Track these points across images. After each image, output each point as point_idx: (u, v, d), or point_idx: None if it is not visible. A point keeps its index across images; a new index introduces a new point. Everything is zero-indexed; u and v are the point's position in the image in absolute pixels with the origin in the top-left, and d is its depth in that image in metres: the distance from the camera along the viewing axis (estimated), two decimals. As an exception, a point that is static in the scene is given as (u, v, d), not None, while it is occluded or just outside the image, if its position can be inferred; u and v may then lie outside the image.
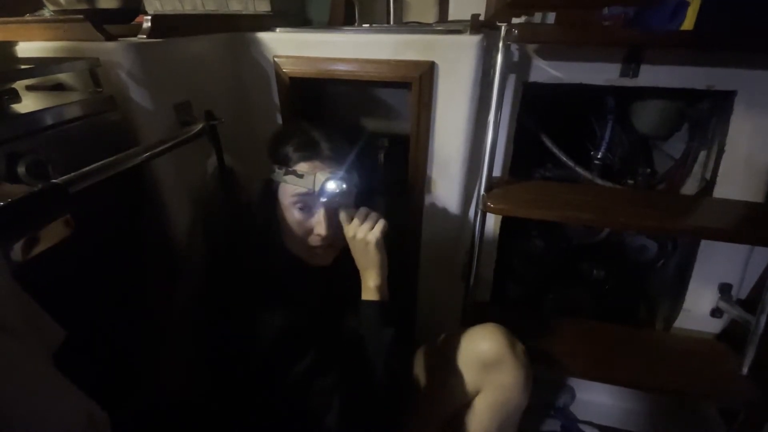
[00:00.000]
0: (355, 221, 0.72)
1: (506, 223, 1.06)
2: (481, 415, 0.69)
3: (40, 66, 0.66)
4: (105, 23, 0.74)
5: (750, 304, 0.96)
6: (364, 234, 0.70)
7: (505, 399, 0.68)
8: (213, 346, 0.71)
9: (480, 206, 0.93)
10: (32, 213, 0.47)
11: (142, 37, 0.75)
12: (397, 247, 1.04)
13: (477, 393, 0.70)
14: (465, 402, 0.72)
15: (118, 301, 0.71)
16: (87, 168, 0.53)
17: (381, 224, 0.72)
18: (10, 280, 0.44)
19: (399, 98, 1.04)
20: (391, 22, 1.35)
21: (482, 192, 0.92)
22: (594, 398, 1.14)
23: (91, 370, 0.55)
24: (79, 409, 0.47)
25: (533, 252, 1.22)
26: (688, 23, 0.92)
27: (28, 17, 0.87)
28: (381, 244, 0.71)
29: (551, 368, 0.99)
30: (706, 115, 0.98)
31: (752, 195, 0.91)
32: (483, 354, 0.70)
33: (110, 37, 0.72)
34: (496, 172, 1.00)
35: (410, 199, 0.99)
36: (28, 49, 0.77)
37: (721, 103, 0.92)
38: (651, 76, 0.88)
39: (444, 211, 0.99)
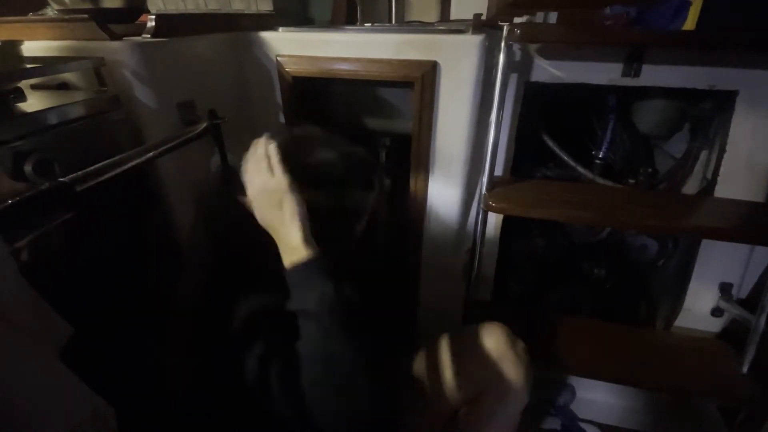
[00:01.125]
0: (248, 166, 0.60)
1: (507, 222, 1.06)
2: (481, 413, 0.70)
3: (46, 65, 0.67)
4: (109, 22, 0.74)
5: (750, 303, 0.96)
6: (263, 179, 0.56)
7: (505, 397, 0.68)
8: (218, 347, 0.71)
9: (481, 205, 0.93)
10: (39, 211, 0.47)
11: (146, 37, 0.75)
12: (399, 246, 1.05)
13: (478, 391, 0.71)
14: (466, 400, 0.72)
15: (123, 298, 0.71)
16: (93, 167, 0.54)
17: (271, 148, 0.59)
18: (18, 277, 0.45)
19: (401, 97, 1.04)
20: (393, 22, 1.36)
21: (484, 191, 0.93)
22: (594, 396, 1.14)
23: (97, 366, 0.55)
24: (84, 404, 0.48)
25: (534, 251, 1.23)
26: (690, 23, 0.92)
27: (32, 16, 0.88)
28: (286, 182, 0.55)
29: (552, 367, 1.00)
30: (707, 115, 0.98)
31: (753, 195, 0.92)
32: (484, 352, 0.70)
33: (115, 37, 0.72)
34: (498, 172, 1.00)
35: (412, 198, 0.99)
36: (32, 48, 0.77)
37: (722, 103, 0.92)
38: (653, 75, 0.88)
39: (445, 210, 0.99)
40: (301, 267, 0.52)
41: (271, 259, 0.72)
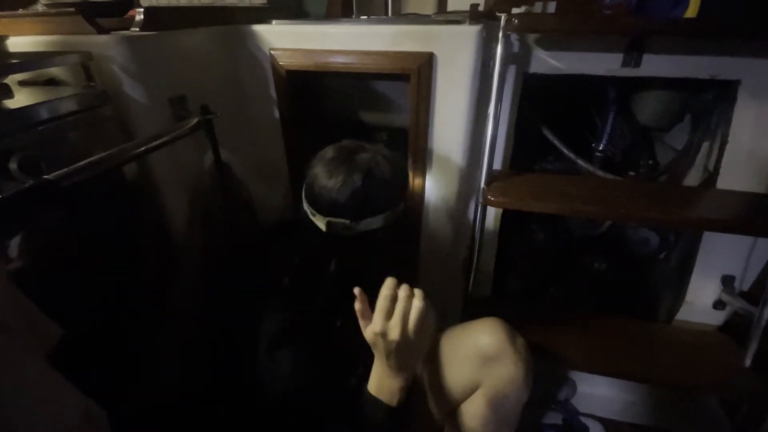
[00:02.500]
0: (377, 317, 0.57)
1: (507, 217, 1.05)
2: (482, 408, 0.69)
3: (31, 60, 0.65)
4: (97, 16, 0.72)
5: (753, 295, 0.95)
6: (397, 334, 0.55)
7: (505, 392, 0.67)
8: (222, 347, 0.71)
9: (480, 199, 0.92)
10: (24, 209, 0.46)
11: (135, 30, 0.74)
12: (398, 241, 1.04)
13: (478, 387, 0.70)
14: (466, 396, 0.72)
15: (115, 298, 0.70)
16: (80, 163, 0.52)
17: (417, 310, 0.57)
18: (4, 278, 0.44)
19: (398, 90, 1.03)
20: (389, 14, 1.34)
21: (482, 185, 0.91)
22: (595, 391, 1.14)
23: (88, 367, 0.54)
24: (75, 406, 0.47)
25: (534, 245, 1.22)
26: (691, 11, 0.90)
27: (20, 11, 0.86)
28: (419, 339, 0.57)
29: (553, 361, 0.99)
30: (709, 106, 0.96)
31: (756, 186, 0.90)
32: (483, 348, 0.69)
33: (102, 31, 0.71)
34: (497, 165, 0.99)
35: (410, 193, 0.98)
36: (19, 43, 0.76)
37: (724, 93, 0.90)
38: (653, 65, 0.86)
39: (444, 205, 0.98)
40: (383, 405, 0.59)
41: (268, 255, 0.71)
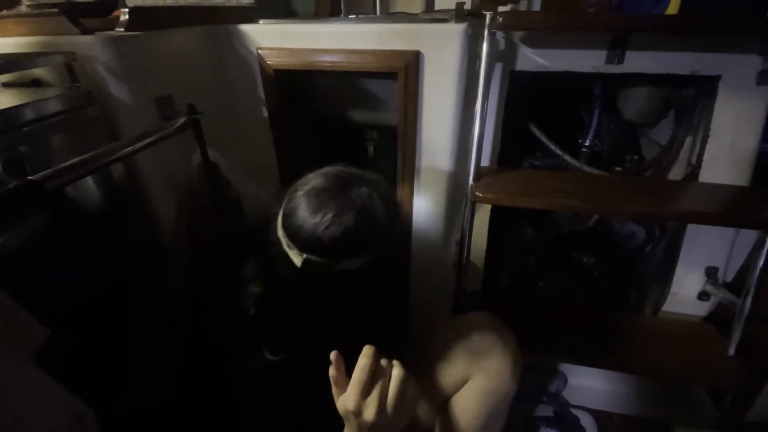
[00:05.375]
0: (352, 392, 0.49)
1: (496, 213, 1.06)
2: (470, 401, 0.70)
3: (15, 61, 0.65)
4: (81, 17, 0.72)
5: (736, 286, 0.97)
6: (372, 415, 0.48)
7: (494, 385, 0.68)
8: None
9: (469, 196, 0.93)
10: (8, 210, 0.46)
11: (120, 31, 0.73)
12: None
13: (467, 380, 0.71)
14: (456, 389, 0.72)
15: (102, 298, 0.70)
16: (64, 164, 0.52)
17: (396, 386, 0.49)
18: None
19: (387, 89, 1.03)
20: (378, 12, 1.34)
21: (471, 181, 0.92)
22: (586, 383, 1.15)
23: (77, 368, 0.54)
24: (64, 407, 0.47)
25: (523, 240, 1.23)
26: (672, 8, 0.92)
27: (3, 12, 0.85)
28: (397, 418, 0.49)
29: (543, 355, 1.00)
30: (691, 101, 0.98)
31: (737, 179, 0.92)
32: (472, 341, 0.70)
33: (86, 31, 0.70)
34: (485, 162, 1.00)
35: (399, 191, 0.99)
36: (2, 44, 0.75)
37: (705, 89, 0.92)
38: (636, 62, 0.88)
39: (434, 202, 0.99)
40: None
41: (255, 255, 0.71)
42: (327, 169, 0.62)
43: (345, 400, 0.49)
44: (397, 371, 0.50)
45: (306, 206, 0.57)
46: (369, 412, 0.48)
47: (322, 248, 0.56)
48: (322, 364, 0.52)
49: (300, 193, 0.59)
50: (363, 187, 0.58)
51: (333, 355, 0.52)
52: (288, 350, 0.63)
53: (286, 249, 0.60)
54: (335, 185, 0.58)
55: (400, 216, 0.68)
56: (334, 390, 0.52)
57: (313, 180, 0.60)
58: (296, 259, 0.58)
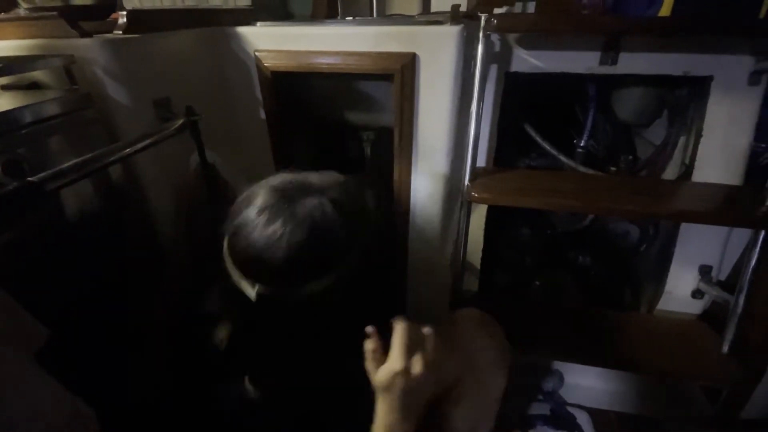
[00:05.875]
0: (398, 354, 0.50)
1: (492, 213, 1.07)
2: (459, 399, 0.69)
3: (13, 64, 0.65)
4: (79, 20, 0.73)
5: (729, 284, 0.98)
6: (420, 367, 0.50)
7: (482, 382, 0.68)
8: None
9: (465, 196, 0.94)
10: (7, 212, 0.46)
11: (118, 33, 0.74)
12: (386, 240, 1.05)
13: (456, 377, 0.71)
14: (446, 387, 0.72)
15: (101, 299, 0.71)
16: (63, 166, 0.53)
17: (432, 339, 0.51)
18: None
19: (383, 90, 1.04)
20: (374, 15, 1.35)
21: (466, 182, 0.93)
22: (582, 381, 1.16)
23: (76, 367, 0.55)
24: (63, 406, 0.47)
25: (519, 240, 1.24)
26: (665, 9, 0.93)
27: (2, 16, 0.86)
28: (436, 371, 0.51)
29: (540, 353, 1.01)
30: (684, 101, 0.99)
31: (730, 178, 0.93)
32: (458, 338, 0.69)
33: (85, 34, 0.71)
34: (481, 162, 1.01)
35: (396, 192, 0.99)
36: (1, 48, 0.75)
37: (698, 89, 0.94)
38: (629, 63, 0.89)
39: (430, 202, 1.00)
40: None
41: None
42: (271, 180, 0.55)
43: (392, 363, 0.50)
44: (427, 329, 0.52)
45: (249, 228, 0.50)
46: (417, 366, 0.49)
47: (274, 275, 0.50)
48: (310, 392, 0.51)
49: (243, 213, 0.52)
50: (310, 197, 0.52)
51: (369, 328, 0.52)
52: (270, 379, 0.58)
53: (238, 281, 0.53)
54: (278, 199, 0.51)
55: (369, 222, 0.59)
56: (370, 364, 0.51)
57: (256, 196, 0.53)
58: (249, 291, 0.52)
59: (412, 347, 0.50)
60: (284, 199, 0.51)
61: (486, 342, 0.68)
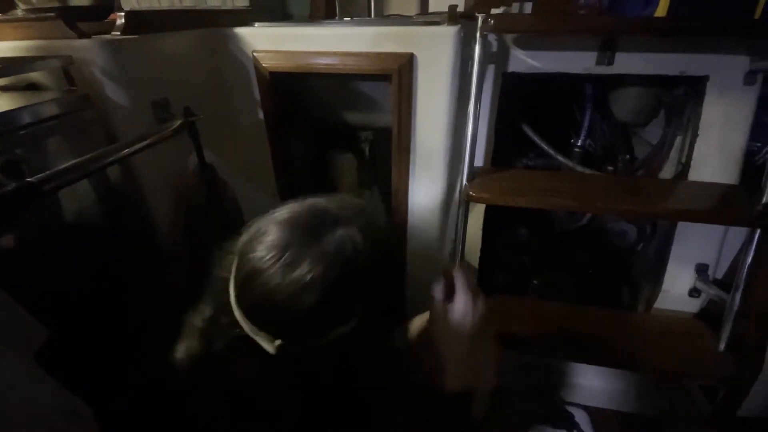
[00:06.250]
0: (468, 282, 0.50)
1: (490, 212, 1.07)
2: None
3: (11, 65, 0.66)
4: (78, 21, 0.73)
5: (726, 283, 0.99)
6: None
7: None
8: None
9: (463, 196, 0.94)
10: (6, 212, 0.47)
11: (115, 34, 0.74)
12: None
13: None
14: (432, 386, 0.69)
15: (100, 299, 0.71)
16: (61, 166, 0.53)
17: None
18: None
19: (381, 91, 1.04)
20: (372, 15, 1.35)
21: (464, 181, 0.93)
22: (580, 380, 1.17)
23: (75, 366, 0.55)
24: (62, 404, 0.47)
25: (518, 240, 1.24)
26: (661, 10, 0.94)
27: (0, 17, 0.86)
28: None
29: (538, 352, 1.01)
30: (680, 101, 1.00)
31: (726, 177, 0.94)
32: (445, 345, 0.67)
33: (83, 35, 0.71)
34: (478, 162, 1.01)
35: (395, 192, 1.00)
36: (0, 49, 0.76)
37: (693, 89, 0.94)
38: (626, 63, 0.89)
39: (428, 202, 1.00)
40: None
41: None
42: (279, 214, 0.46)
43: (464, 295, 0.49)
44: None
45: (267, 275, 0.42)
46: (482, 303, 0.50)
47: (300, 325, 0.43)
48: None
49: (254, 257, 0.43)
50: (339, 230, 0.43)
51: (443, 270, 0.51)
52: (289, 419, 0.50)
53: (251, 335, 0.44)
54: (299, 235, 0.43)
55: (390, 247, 0.56)
56: (437, 307, 0.51)
57: (267, 234, 0.44)
58: (267, 346, 0.43)
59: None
60: (306, 235, 0.43)
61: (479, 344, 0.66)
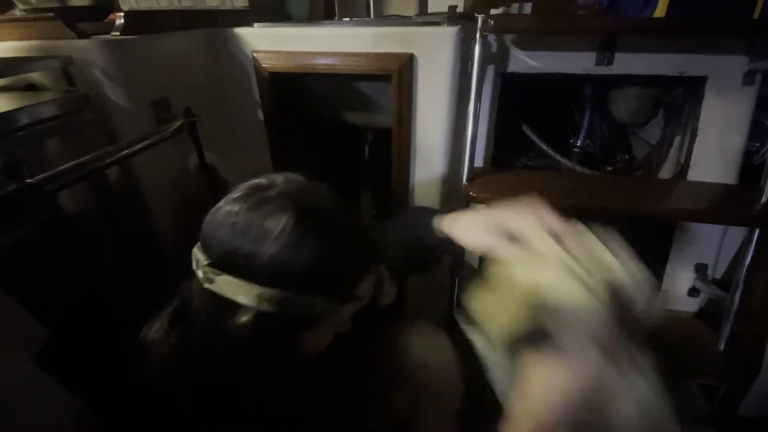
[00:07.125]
0: None
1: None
2: (418, 419, 0.64)
3: (10, 65, 0.65)
4: (77, 21, 0.73)
5: (725, 282, 0.99)
6: None
7: (441, 402, 0.64)
8: None
9: (463, 196, 0.94)
10: (7, 213, 0.47)
11: (115, 35, 0.74)
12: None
13: (414, 406, 0.65)
14: (402, 417, 0.66)
15: (101, 300, 0.71)
16: (62, 167, 0.53)
17: None
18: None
19: (381, 91, 1.04)
20: (372, 15, 1.35)
21: (464, 182, 0.93)
22: (580, 380, 1.17)
23: (77, 368, 0.55)
24: (64, 407, 0.47)
25: (517, 240, 1.24)
26: (660, 10, 0.94)
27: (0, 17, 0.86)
28: None
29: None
30: (679, 101, 1.00)
31: (725, 177, 0.94)
32: (412, 368, 0.64)
33: (82, 35, 0.71)
34: (478, 162, 1.01)
35: (394, 192, 1.00)
36: (-1, 49, 0.75)
37: (692, 89, 0.94)
38: (625, 63, 0.89)
39: (428, 202, 1.00)
40: None
41: None
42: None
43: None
44: None
45: (230, 218, 0.42)
46: None
47: (269, 271, 0.40)
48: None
49: (218, 213, 0.44)
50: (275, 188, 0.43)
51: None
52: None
53: (226, 290, 0.42)
54: (253, 189, 0.43)
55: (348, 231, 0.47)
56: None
57: (224, 200, 0.45)
58: (244, 298, 0.41)
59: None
60: (258, 191, 0.43)
61: (437, 364, 0.64)
